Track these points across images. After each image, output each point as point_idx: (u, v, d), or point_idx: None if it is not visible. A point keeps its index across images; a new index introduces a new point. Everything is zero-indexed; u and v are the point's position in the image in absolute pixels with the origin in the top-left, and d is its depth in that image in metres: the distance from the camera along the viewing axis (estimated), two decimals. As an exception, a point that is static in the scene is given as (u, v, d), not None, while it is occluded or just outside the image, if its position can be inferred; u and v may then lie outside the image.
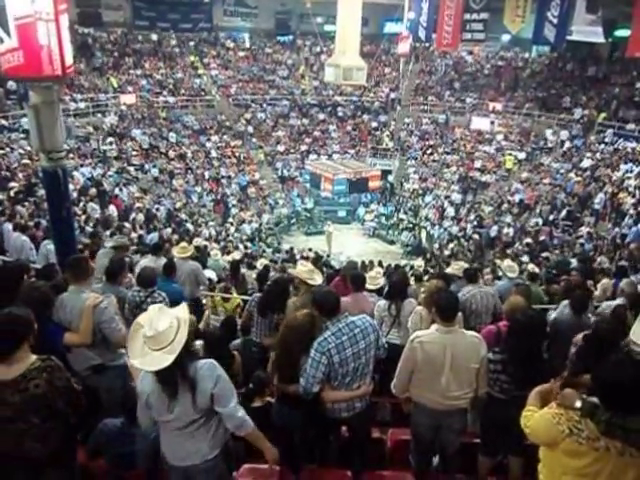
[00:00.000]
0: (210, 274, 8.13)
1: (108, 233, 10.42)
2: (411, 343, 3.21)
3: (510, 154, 21.12)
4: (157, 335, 2.43)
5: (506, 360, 3.22)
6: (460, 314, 4.29)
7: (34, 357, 2.54)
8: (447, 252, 16.51)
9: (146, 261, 6.53)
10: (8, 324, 2.49)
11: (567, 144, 19.89)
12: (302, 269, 5.01)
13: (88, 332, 3.43)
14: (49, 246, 7.51)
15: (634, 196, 15.05)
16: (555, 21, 17.81)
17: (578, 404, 2.23)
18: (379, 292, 5.60)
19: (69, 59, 5.57)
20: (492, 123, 22.74)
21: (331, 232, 18.94)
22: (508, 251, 15.20)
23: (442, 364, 3.14)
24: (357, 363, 3.14)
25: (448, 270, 6.71)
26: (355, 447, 3.46)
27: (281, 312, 4.52)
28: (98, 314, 3.45)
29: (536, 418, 2.40)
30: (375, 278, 5.40)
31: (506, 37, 24.74)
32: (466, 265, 6.72)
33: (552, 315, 4.83)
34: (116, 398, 3.13)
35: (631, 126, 18.29)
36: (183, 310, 2.64)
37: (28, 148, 13.85)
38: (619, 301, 4.71)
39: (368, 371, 3.26)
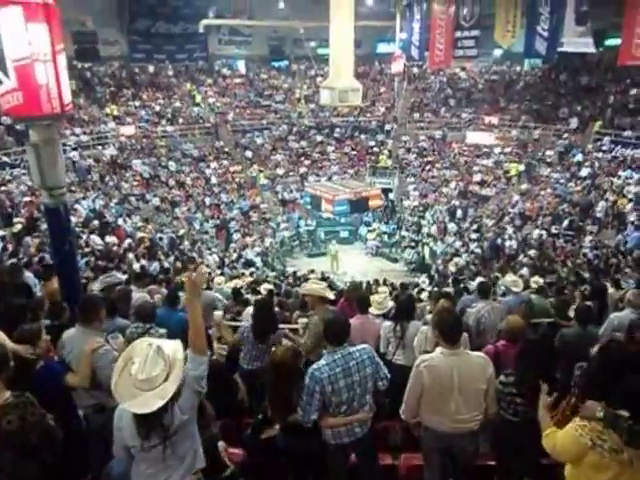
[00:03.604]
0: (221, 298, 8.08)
1: (111, 266, 10.42)
2: (417, 368, 3.20)
3: (514, 161, 21.17)
4: (150, 379, 2.37)
5: (519, 381, 3.18)
6: (466, 335, 4.27)
7: (8, 393, 2.53)
8: (452, 268, 16.43)
9: (139, 293, 6.37)
10: None
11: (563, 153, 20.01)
12: (315, 286, 5.09)
13: (86, 375, 3.42)
14: (27, 274, 7.52)
15: (635, 203, 15.07)
16: (545, 34, 18.00)
17: (600, 414, 2.24)
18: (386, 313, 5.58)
19: (67, 97, 5.65)
20: (489, 136, 22.91)
21: (336, 251, 19.05)
22: (512, 263, 15.16)
23: (450, 387, 3.11)
24: (351, 394, 3.16)
25: (470, 284, 6.77)
26: (364, 473, 3.41)
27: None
28: (95, 359, 3.42)
29: (560, 435, 2.40)
30: (382, 303, 5.37)
31: (498, 52, 25.05)
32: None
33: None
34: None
35: (628, 133, 18.39)
36: (178, 350, 2.54)
37: (30, 183, 13.99)
38: (627, 312, 4.67)
39: (365, 402, 3.26)
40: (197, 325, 2.67)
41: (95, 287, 5.74)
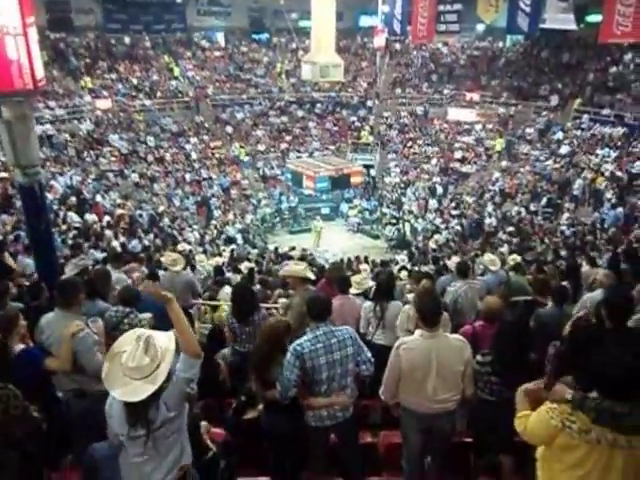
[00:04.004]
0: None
1: (87, 245, 10.28)
2: (396, 350, 3.24)
3: (501, 136, 21.25)
4: (140, 367, 2.39)
5: (495, 361, 3.26)
6: (446, 314, 4.34)
7: None
8: (432, 245, 16.60)
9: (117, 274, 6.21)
10: None
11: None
12: (296, 268, 5.12)
13: (66, 359, 3.40)
14: (26, 260, 7.40)
15: (611, 181, 15.31)
16: (528, 10, 17.94)
17: (569, 396, 2.30)
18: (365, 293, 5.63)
19: (40, 72, 5.50)
20: (471, 113, 22.90)
21: (320, 228, 19.22)
22: (492, 240, 15.37)
23: (428, 369, 3.17)
24: (331, 372, 3.20)
25: (448, 263, 6.88)
26: (345, 455, 3.48)
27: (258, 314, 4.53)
28: (76, 343, 3.40)
29: (531, 419, 2.45)
30: (361, 283, 5.42)
31: (480, 27, 24.91)
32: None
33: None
34: (99, 423, 3.09)
35: (606, 111, 18.54)
36: (170, 340, 2.56)
37: (4, 159, 13.62)
38: (599, 293, 4.78)
39: (346, 384, 3.30)
40: (183, 329, 2.65)
41: (68, 270, 5.58)
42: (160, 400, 2.47)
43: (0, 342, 2.62)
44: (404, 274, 8.43)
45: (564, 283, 5.37)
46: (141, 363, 2.39)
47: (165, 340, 2.54)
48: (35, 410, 2.67)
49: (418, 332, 3.25)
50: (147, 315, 4.35)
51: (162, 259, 7.21)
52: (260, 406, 3.67)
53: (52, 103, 19.66)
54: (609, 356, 2.23)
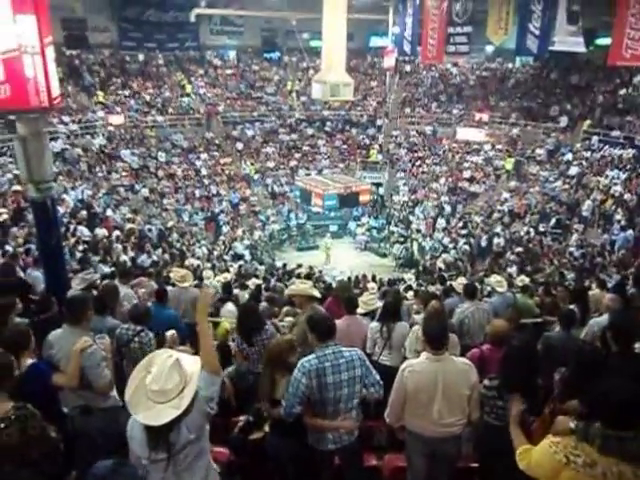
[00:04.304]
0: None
1: (97, 259, 10.36)
2: (402, 372, 3.23)
3: (510, 155, 21.26)
4: (164, 391, 2.35)
5: (502, 385, 3.23)
6: (454, 336, 4.32)
7: (10, 405, 2.50)
8: (440, 264, 16.54)
9: (124, 289, 6.24)
10: None
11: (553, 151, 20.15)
12: (302, 286, 5.16)
13: (74, 375, 3.41)
14: (35, 273, 7.44)
15: (621, 203, 15.24)
16: (537, 32, 18.07)
17: (572, 425, 2.27)
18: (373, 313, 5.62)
19: (56, 90, 5.60)
20: (480, 133, 22.97)
21: (329, 245, 19.30)
22: (500, 261, 15.30)
23: (434, 392, 3.15)
24: (338, 394, 3.15)
25: (453, 284, 6.87)
26: (348, 476, 3.45)
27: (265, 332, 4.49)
28: (84, 359, 3.42)
29: (535, 454, 2.40)
30: (368, 303, 5.41)
31: (490, 48, 25.09)
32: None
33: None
34: (106, 440, 3.10)
35: (616, 133, 18.54)
36: (196, 364, 2.52)
37: (17, 172, 13.80)
38: (606, 317, 4.74)
39: (353, 406, 3.26)
40: (207, 344, 2.65)
41: (75, 284, 5.63)
42: (182, 422, 2.44)
43: (8, 361, 2.61)
44: (410, 294, 8.41)
45: (572, 306, 5.33)
46: (165, 387, 2.35)
47: (191, 364, 2.50)
48: (54, 430, 2.64)
49: (424, 355, 3.24)
50: (152, 334, 4.38)
51: (171, 275, 7.22)
52: (266, 427, 3.66)
53: (66, 118, 19.97)
54: (610, 385, 2.21)
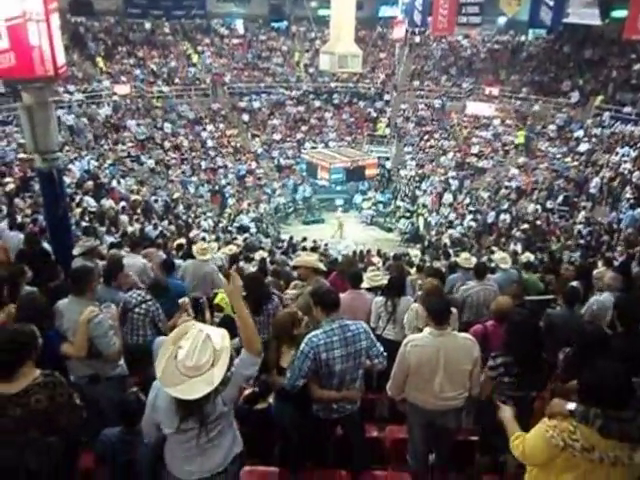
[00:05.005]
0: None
1: (104, 229, 10.40)
2: (404, 347, 3.26)
3: (522, 129, 20.93)
4: (197, 366, 2.36)
5: (508, 362, 3.23)
6: (455, 312, 4.35)
7: (38, 372, 2.55)
8: (446, 240, 16.52)
9: (129, 259, 6.23)
10: (12, 342, 2.50)
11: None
12: (308, 258, 5.18)
13: (82, 345, 3.47)
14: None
15: (630, 181, 15.06)
16: (551, 4, 17.66)
17: (571, 406, 2.23)
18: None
19: (61, 59, 5.53)
20: (489, 107, 22.60)
21: (342, 220, 19.29)
22: (505, 237, 15.26)
23: (435, 367, 3.19)
24: (344, 366, 3.19)
25: (457, 260, 6.87)
26: (351, 448, 3.52)
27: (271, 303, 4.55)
28: (91, 328, 3.47)
29: (529, 439, 2.36)
30: (373, 279, 5.39)
31: (502, 20, 24.53)
32: (474, 259, 6.82)
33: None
34: (114, 408, 3.16)
35: (628, 109, 18.22)
36: (224, 339, 2.51)
37: (22, 141, 13.78)
38: (607, 295, 4.75)
39: (357, 376, 3.32)
40: (248, 326, 2.63)
41: (75, 252, 5.70)
42: (218, 395, 2.47)
43: (31, 330, 2.65)
44: (413, 270, 8.41)
45: (575, 284, 5.34)
46: (199, 362, 2.35)
47: (219, 339, 2.49)
48: (78, 397, 2.69)
49: (427, 330, 3.27)
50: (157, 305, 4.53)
51: (193, 248, 7.21)
52: (271, 399, 3.73)
53: (71, 87, 19.81)
54: (604, 368, 2.20)
